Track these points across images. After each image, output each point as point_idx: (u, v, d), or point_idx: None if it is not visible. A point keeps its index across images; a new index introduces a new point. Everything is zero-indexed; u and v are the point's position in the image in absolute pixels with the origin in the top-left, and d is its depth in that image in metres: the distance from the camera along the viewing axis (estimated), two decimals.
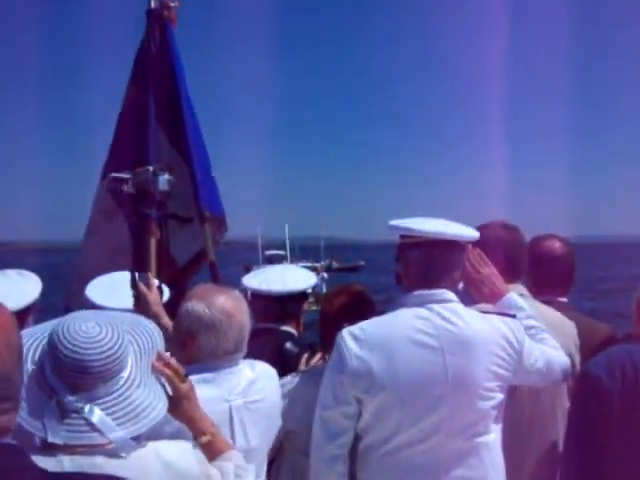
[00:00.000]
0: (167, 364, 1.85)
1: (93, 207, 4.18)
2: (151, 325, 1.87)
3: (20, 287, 2.91)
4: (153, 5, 4.27)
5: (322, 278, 36.46)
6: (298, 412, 2.70)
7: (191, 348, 2.34)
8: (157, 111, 4.28)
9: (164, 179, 2.62)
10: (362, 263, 67.87)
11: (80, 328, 1.62)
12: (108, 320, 1.69)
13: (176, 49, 4.35)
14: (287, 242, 47.80)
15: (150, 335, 1.82)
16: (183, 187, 4.21)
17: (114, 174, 2.57)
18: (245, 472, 2.01)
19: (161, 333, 1.87)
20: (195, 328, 2.33)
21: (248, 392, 2.40)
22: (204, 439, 1.97)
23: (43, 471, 1.39)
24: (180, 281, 4.27)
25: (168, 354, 1.90)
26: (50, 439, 1.56)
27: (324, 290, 36.30)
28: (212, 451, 1.96)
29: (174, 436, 1.88)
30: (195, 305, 2.38)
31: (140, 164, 3.57)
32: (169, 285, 3.21)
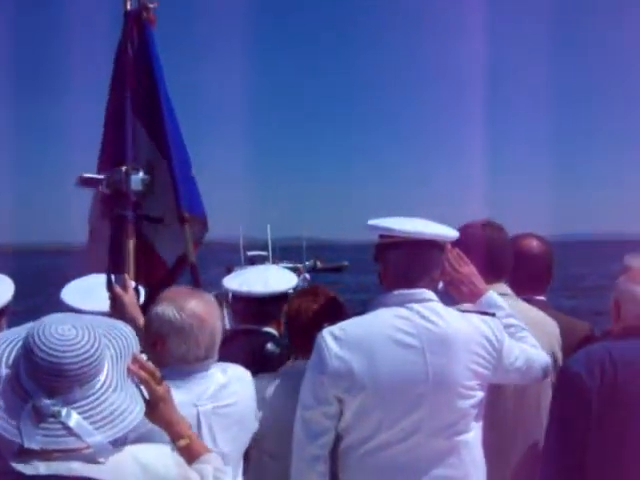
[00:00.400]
0: (143, 367, 1.83)
1: (91, 211, 4.15)
2: (127, 328, 1.85)
3: None
4: (130, 7, 4.27)
5: (304, 279, 36.50)
6: (266, 414, 2.68)
7: (161, 351, 2.29)
8: (138, 111, 4.28)
9: (137, 179, 2.59)
10: (346, 263, 68.10)
11: (56, 331, 1.60)
12: (84, 323, 1.67)
13: (155, 50, 4.35)
14: (269, 242, 47.81)
15: (126, 338, 1.80)
16: (164, 187, 4.21)
17: (85, 174, 2.53)
18: (223, 475, 2.00)
19: (136, 336, 1.85)
20: (165, 332, 2.28)
21: (218, 397, 2.35)
22: (182, 442, 1.96)
23: (20, 475, 1.40)
24: (168, 283, 4.26)
25: (144, 357, 1.88)
26: (26, 444, 1.53)
27: None
28: (190, 454, 1.95)
29: (145, 437, 1.85)
30: (165, 308, 2.32)
31: (119, 164, 3.56)
32: (160, 287, 3.19)
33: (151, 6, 4.31)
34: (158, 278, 4.34)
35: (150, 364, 1.88)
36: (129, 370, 1.76)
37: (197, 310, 2.32)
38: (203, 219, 4.51)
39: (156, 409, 1.91)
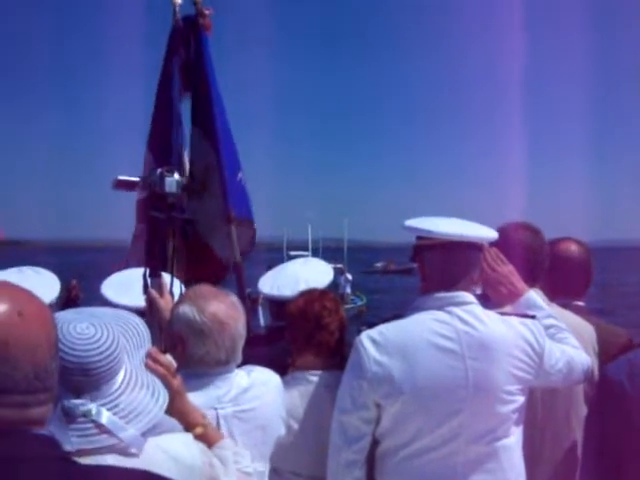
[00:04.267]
0: (158, 361, 1.85)
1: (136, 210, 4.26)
2: (137, 319, 1.85)
3: (37, 287, 2.96)
4: (179, 14, 4.42)
5: (346, 279, 36.37)
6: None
7: (181, 352, 2.26)
8: (195, 114, 4.46)
9: (172, 181, 2.59)
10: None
11: (75, 330, 1.60)
12: (98, 320, 1.67)
13: (210, 55, 4.53)
14: (309, 243, 48.01)
15: (137, 330, 1.81)
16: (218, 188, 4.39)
17: (121, 177, 2.56)
18: (242, 458, 2.03)
19: (147, 327, 1.85)
20: (185, 333, 2.24)
21: (239, 400, 2.31)
22: (197, 431, 1.97)
23: (77, 463, 1.39)
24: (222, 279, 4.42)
25: (155, 349, 1.88)
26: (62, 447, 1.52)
27: (347, 291, 36.21)
28: (206, 442, 1.96)
29: (165, 427, 1.85)
30: (187, 309, 2.28)
31: (165, 165, 3.66)
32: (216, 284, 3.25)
33: (207, 12, 4.45)
34: (218, 277, 4.49)
35: (164, 357, 1.89)
36: (146, 366, 1.77)
37: (218, 313, 2.28)
38: (250, 222, 4.63)
39: (172, 401, 1.91)
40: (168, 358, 1.91)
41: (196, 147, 4.66)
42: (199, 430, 1.98)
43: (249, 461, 2.09)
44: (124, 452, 1.59)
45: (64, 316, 1.68)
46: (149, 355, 1.80)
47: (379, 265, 65.66)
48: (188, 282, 3.30)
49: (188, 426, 1.98)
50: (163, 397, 1.73)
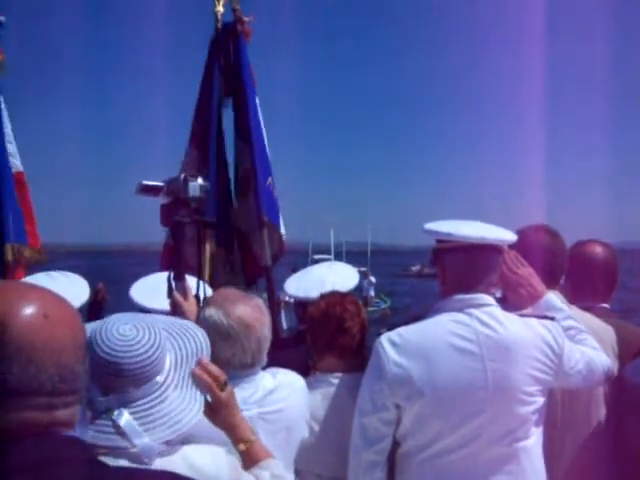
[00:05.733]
0: (207, 371, 1.82)
1: None
2: (198, 331, 1.86)
3: (67, 291, 3.01)
4: (222, 21, 4.51)
5: (369, 282, 36.28)
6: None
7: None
8: (237, 120, 4.55)
9: (195, 185, 2.61)
10: None
11: (117, 331, 1.63)
12: (147, 323, 1.69)
13: (248, 62, 4.62)
14: (332, 246, 48.19)
15: (196, 341, 1.81)
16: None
17: (145, 181, 2.59)
18: None
19: (208, 340, 1.85)
20: (211, 336, 2.16)
21: (264, 402, 2.32)
22: (242, 446, 1.96)
23: (104, 465, 1.39)
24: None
25: (207, 360, 1.86)
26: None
27: (371, 294, 36.13)
28: (250, 458, 1.95)
29: (205, 438, 1.85)
30: (212, 313, 2.30)
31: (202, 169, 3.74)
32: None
33: (246, 19, 4.53)
34: (255, 277, 4.59)
35: (215, 368, 1.86)
36: (193, 374, 1.76)
37: (244, 316, 2.29)
38: (276, 227, 4.71)
39: (218, 413, 1.92)
40: (217, 369, 1.88)
41: (239, 151, 4.79)
42: (243, 446, 1.96)
43: None
44: (136, 459, 1.59)
45: (115, 317, 1.71)
46: (199, 364, 1.79)
47: (414, 268, 65.40)
48: (216, 285, 3.34)
49: (234, 441, 1.97)
50: (198, 409, 1.72)
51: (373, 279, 37.37)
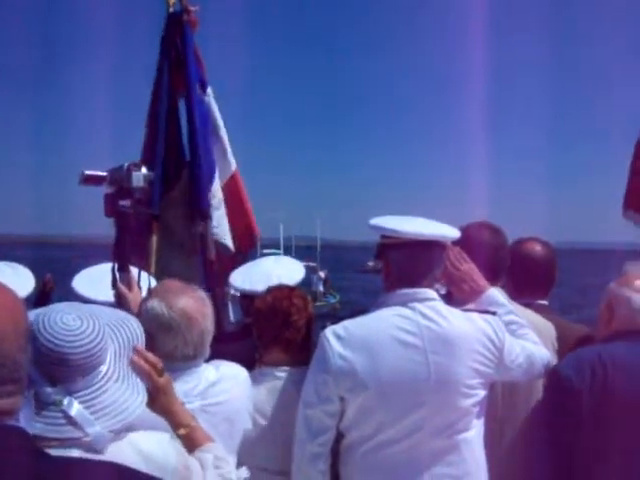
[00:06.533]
0: (145, 358, 1.83)
1: None
2: (134, 321, 1.86)
3: (12, 281, 2.95)
4: (173, 9, 4.44)
5: (319, 277, 36.42)
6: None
7: (150, 347, 2.17)
8: (188, 113, 4.48)
9: (139, 175, 2.58)
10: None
11: (61, 320, 1.61)
12: (89, 314, 1.68)
13: (192, 52, 4.55)
14: (281, 241, 48.37)
15: (131, 331, 1.81)
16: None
17: (87, 171, 2.55)
18: (225, 463, 2.00)
19: (142, 329, 1.85)
20: (153, 328, 2.21)
21: (207, 394, 2.31)
22: (182, 431, 1.98)
23: (45, 454, 1.38)
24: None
25: (142, 347, 1.86)
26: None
27: (320, 289, 36.25)
28: (191, 443, 1.97)
29: (147, 425, 1.82)
30: (155, 304, 2.28)
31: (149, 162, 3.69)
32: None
33: (193, 9, 4.46)
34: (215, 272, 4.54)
35: (152, 355, 1.88)
36: (130, 361, 1.76)
37: (187, 308, 2.28)
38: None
39: (157, 400, 1.93)
40: (154, 356, 1.89)
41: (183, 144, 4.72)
42: (182, 431, 1.97)
43: (233, 467, 2.08)
44: (89, 448, 1.58)
45: (58, 307, 1.69)
46: (136, 352, 1.79)
47: (370, 264, 65.80)
48: (160, 277, 3.30)
49: (174, 426, 1.98)
50: (142, 397, 1.72)
51: (322, 274, 37.51)
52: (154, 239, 4.36)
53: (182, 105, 4.64)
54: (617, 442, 2.39)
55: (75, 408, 1.58)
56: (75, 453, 1.55)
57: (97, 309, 1.80)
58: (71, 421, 1.57)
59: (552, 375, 2.57)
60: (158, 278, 3.34)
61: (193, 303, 2.31)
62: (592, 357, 2.48)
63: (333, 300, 36.63)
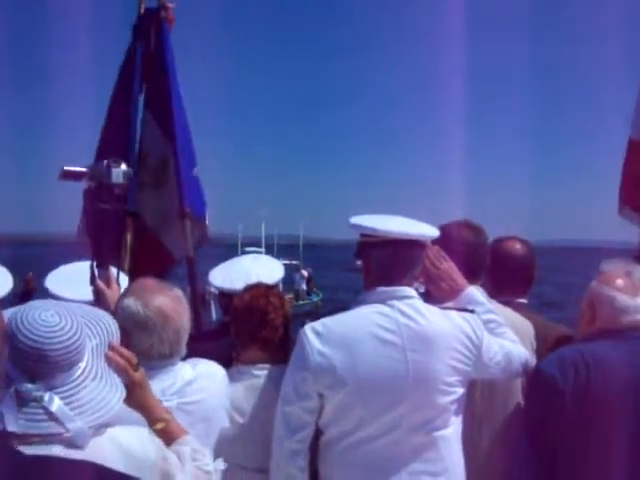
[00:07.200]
0: (120, 353, 1.85)
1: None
2: (108, 318, 1.86)
3: None
4: (145, 6, 4.41)
5: (301, 276, 36.41)
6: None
7: (125, 345, 2.16)
8: (152, 108, 4.45)
9: (118, 171, 2.58)
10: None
11: (39, 317, 1.62)
12: (66, 310, 1.69)
13: (170, 48, 4.52)
14: (263, 239, 48.31)
15: (107, 327, 1.82)
16: (173, 182, 4.39)
17: (67, 167, 2.54)
18: (201, 455, 2.03)
19: (117, 326, 1.86)
20: (129, 326, 2.21)
21: (183, 393, 2.31)
22: (158, 425, 1.99)
23: (21, 454, 1.39)
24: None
25: (118, 343, 1.87)
26: (8, 428, 1.53)
27: (303, 287, 36.22)
28: (167, 437, 1.98)
29: (123, 420, 1.82)
30: (131, 302, 2.28)
31: (126, 155, 3.64)
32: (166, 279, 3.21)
33: (170, 5, 4.46)
34: (164, 270, 4.49)
35: (127, 351, 1.90)
36: (106, 357, 1.77)
37: (162, 306, 2.28)
38: (202, 220, 4.64)
39: (132, 394, 1.93)
40: (128, 351, 1.90)
41: (150, 138, 4.66)
42: (159, 425, 1.99)
43: (210, 459, 2.09)
44: (70, 443, 1.59)
45: (35, 303, 1.70)
46: (111, 347, 1.80)
47: (359, 263, 65.80)
48: (133, 274, 3.28)
49: (149, 421, 1.99)
50: (120, 394, 1.73)
51: (305, 272, 37.51)
52: (128, 236, 4.36)
53: (140, 99, 4.63)
54: (599, 441, 2.40)
55: (56, 404, 1.58)
56: (56, 449, 1.56)
57: (72, 306, 1.81)
58: (52, 417, 1.57)
59: (535, 374, 2.58)
60: (131, 276, 3.33)
61: (169, 302, 2.31)
62: (575, 356, 2.49)
63: (316, 298, 36.65)
